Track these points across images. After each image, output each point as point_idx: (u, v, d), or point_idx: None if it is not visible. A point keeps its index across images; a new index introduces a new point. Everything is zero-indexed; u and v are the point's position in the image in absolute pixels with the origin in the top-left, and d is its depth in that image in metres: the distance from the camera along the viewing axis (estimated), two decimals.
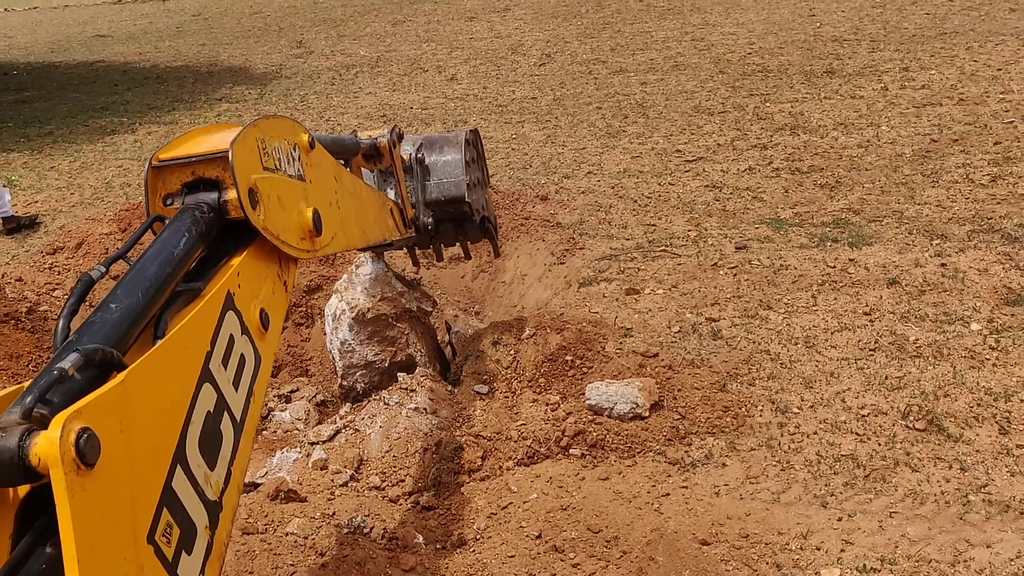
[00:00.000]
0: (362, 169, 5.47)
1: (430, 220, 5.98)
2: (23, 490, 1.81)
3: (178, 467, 2.07)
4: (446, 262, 9.21)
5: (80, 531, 1.60)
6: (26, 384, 1.89)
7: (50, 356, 2.03)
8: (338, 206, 3.66)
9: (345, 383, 6.90)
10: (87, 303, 2.36)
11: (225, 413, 2.38)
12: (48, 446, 1.59)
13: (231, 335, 2.48)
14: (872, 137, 11.49)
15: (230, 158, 2.67)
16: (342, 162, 4.65)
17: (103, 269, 2.40)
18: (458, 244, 6.87)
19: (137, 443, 1.87)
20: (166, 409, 2.08)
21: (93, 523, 1.66)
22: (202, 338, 2.32)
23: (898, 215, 8.80)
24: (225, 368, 2.41)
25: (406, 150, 5.83)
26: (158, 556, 1.92)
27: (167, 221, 2.60)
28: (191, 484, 2.12)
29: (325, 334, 6.97)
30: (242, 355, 2.54)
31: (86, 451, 1.64)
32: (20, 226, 10.96)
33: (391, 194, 5.67)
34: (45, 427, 1.64)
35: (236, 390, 2.47)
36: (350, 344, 6.70)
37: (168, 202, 2.74)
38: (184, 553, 2.04)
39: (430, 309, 7.05)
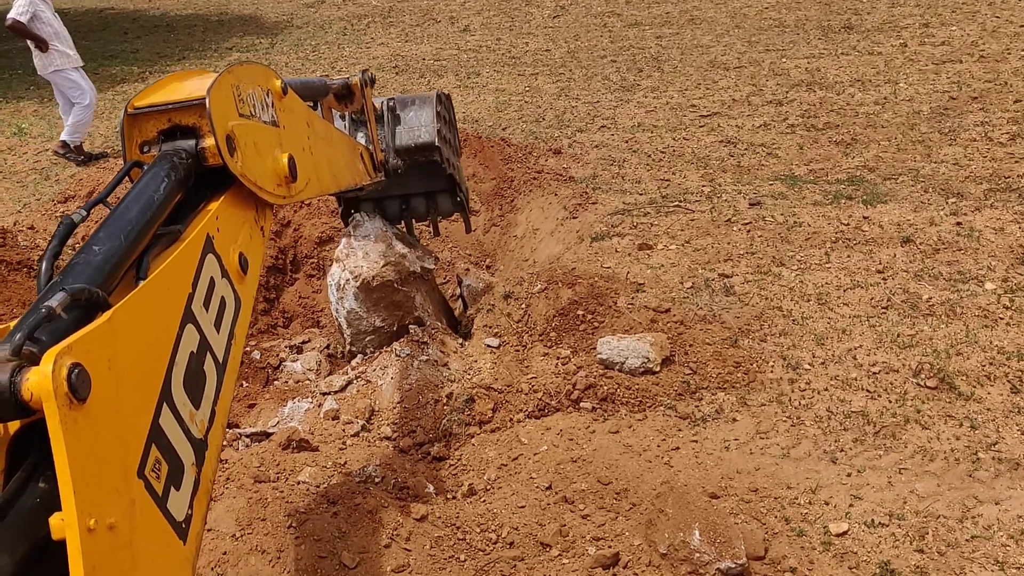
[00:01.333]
0: (334, 114, 5.47)
1: (399, 163, 5.96)
2: (13, 426, 1.84)
3: (164, 405, 2.11)
4: (457, 215, 9.20)
5: (75, 464, 1.63)
6: (11, 324, 1.92)
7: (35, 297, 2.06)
8: (311, 151, 3.67)
9: (354, 348, 6.87)
10: (69, 246, 2.38)
11: (208, 354, 2.42)
12: (41, 381, 1.61)
13: (211, 278, 2.52)
14: (889, 94, 11.36)
15: (207, 105, 2.68)
16: (312, 105, 4.65)
17: (84, 212, 2.42)
18: (429, 222, 6.81)
19: (125, 380, 1.90)
20: (151, 348, 2.11)
21: (87, 457, 1.68)
22: (184, 280, 2.36)
23: (914, 173, 8.72)
24: (207, 310, 2.45)
25: (378, 102, 5.85)
26: (148, 491, 1.96)
27: (145, 167, 2.62)
28: (177, 422, 2.16)
29: (330, 302, 6.93)
30: (223, 297, 2.58)
31: (78, 386, 1.66)
32: (92, 157, 11.39)
33: (361, 139, 5.67)
34: (35, 363, 1.66)
35: (218, 331, 2.51)
36: (357, 312, 6.63)
37: (145, 149, 2.76)
38: (173, 488, 2.09)
39: (432, 267, 6.99)
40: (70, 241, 2.40)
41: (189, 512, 2.17)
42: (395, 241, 6.65)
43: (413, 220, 6.86)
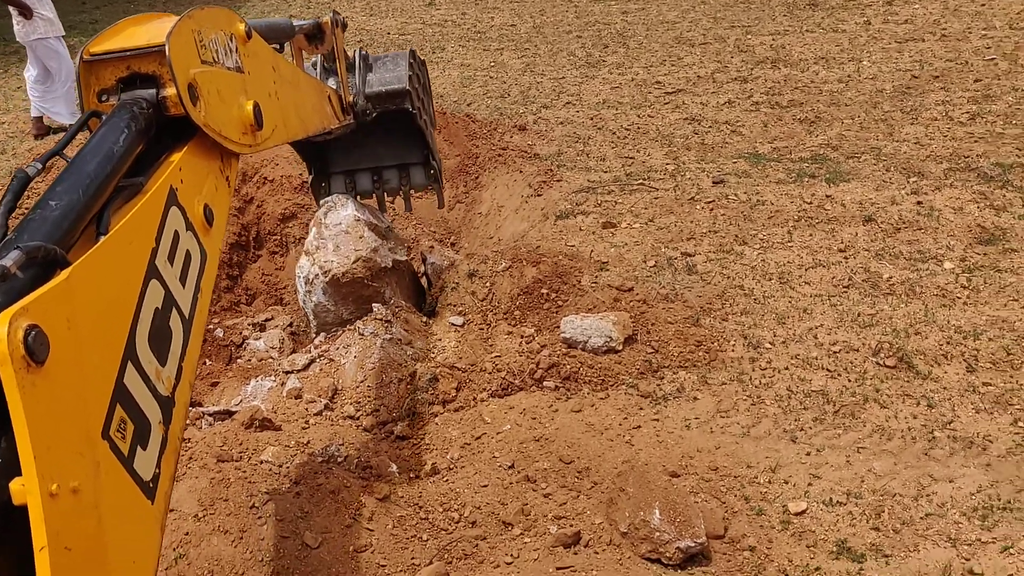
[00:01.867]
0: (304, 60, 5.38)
1: (368, 106, 5.86)
2: None
3: (129, 363, 2.06)
4: (423, 192, 9.13)
5: (34, 428, 1.60)
6: None
7: None
8: (277, 97, 3.57)
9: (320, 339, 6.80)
10: (24, 202, 2.31)
11: (173, 309, 2.37)
12: None
13: (176, 231, 2.45)
14: (853, 72, 11.43)
15: (167, 53, 2.57)
16: (278, 48, 4.54)
17: (39, 166, 2.34)
18: (401, 195, 6.72)
19: (86, 340, 1.86)
20: (113, 305, 2.06)
21: (46, 420, 1.65)
22: (147, 234, 2.29)
23: (876, 152, 8.79)
24: (171, 264, 2.39)
25: (350, 51, 5.77)
26: (114, 451, 1.93)
27: (104, 117, 2.53)
28: (143, 380, 2.12)
29: (297, 292, 6.79)
30: (188, 251, 2.52)
31: (35, 348, 1.62)
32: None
33: (331, 83, 5.58)
34: None
35: (183, 286, 2.45)
36: (325, 306, 6.54)
37: (103, 98, 2.65)
38: (140, 448, 2.06)
39: (404, 258, 6.90)
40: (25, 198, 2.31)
41: (157, 471, 2.13)
42: (367, 232, 6.49)
43: (385, 195, 6.77)
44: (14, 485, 1.61)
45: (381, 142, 6.13)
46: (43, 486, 1.60)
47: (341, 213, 6.50)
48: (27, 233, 2.01)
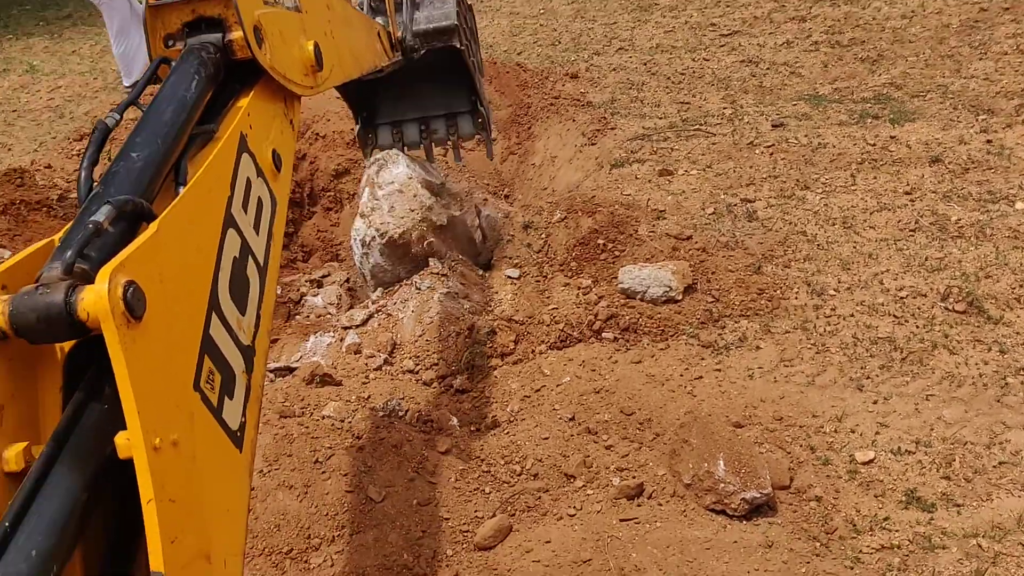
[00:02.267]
0: None
1: (417, 43, 5.78)
2: (69, 343, 1.81)
3: (213, 314, 2.08)
4: (474, 143, 9.05)
5: (137, 384, 1.62)
6: (56, 237, 1.88)
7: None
8: (332, 36, 3.53)
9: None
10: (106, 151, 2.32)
11: (250, 257, 2.38)
12: (97, 300, 1.58)
13: (248, 178, 2.46)
14: (917, 7, 11.01)
15: None
16: None
17: (117, 116, 2.34)
18: (449, 144, 6.59)
19: (176, 293, 1.88)
20: (198, 257, 2.07)
21: (147, 376, 1.67)
22: (223, 182, 2.30)
23: (943, 89, 8.49)
24: (245, 212, 2.40)
25: None
26: (204, 402, 1.95)
27: (173, 64, 2.51)
28: (226, 330, 2.14)
29: (353, 254, 6.79)
30: (259, 198, 2.52)
31: (134, 304, 1.64)
32: None
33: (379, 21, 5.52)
34: (89, 281, 1.63)
35: (257, 233, 2.46)
36: (382, 267, 6.53)
37: (170, 43, 2.61)
38: (227, 398, 2.08)
39: (459, 213, 6.84)
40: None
41: (243, 420, 2.16)
42: (421, 190, 6.44)
43: (433, 145, 6.68)
44: (119, 439, 1.65)
45: (428, 91, 6.03)
46: (147, 440, 1.63)
47: (394, 171, 6.45)
48: (113, 186, 2.02)
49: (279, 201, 2.68)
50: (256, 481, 4.23)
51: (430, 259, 6.55)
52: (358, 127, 6.34)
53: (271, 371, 5.78)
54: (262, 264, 2.46)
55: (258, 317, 2.37)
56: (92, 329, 1.61)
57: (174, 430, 1.76)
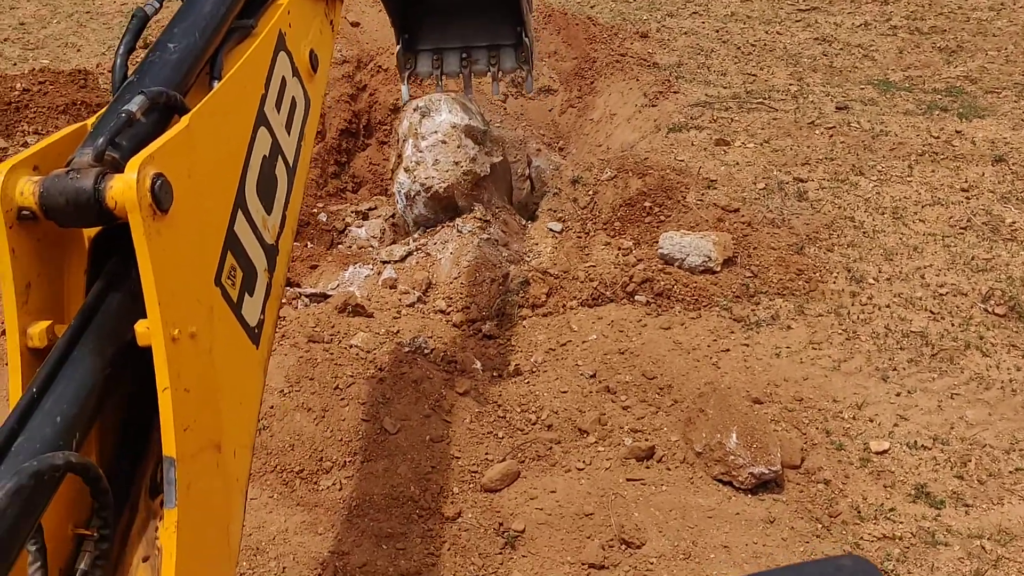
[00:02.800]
0: None
1: None
2: (95, 228, 1.85)
3: (239, 212, 2.11)
4: (535, 93, 9.00)
5: (159, 276, 1.66)
6: (89, 122, 1.90)
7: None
8: None
9: None
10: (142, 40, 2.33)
11: (279, 157, 2.39)
12: (125, 190, 1.61)
13: (283, 77, 2.45)
14: None
15: None
16: None
17: (157, 4, 2.34)
18: (490, 75, 6.45)
19: (203, 188, 1.90)
20: (227, 153, 2.09)
21: (169, 268, 1.71)
22: (257, 80, 2.30)
23: (1020, 88, 8.25)
24: (278, 111, 2.40)
25: None
26: (224, 298, 2.00)
27: None
28: (251, 228, 2.17)
29: (396, 204, 6.82)
30: (293, 98, 2.52)
31: (161, 196, 1.67)
32: None
33: None
34: (119, 170, 1.66)
35: (288, 134, 2.46)
36: (426, 216, 6.57)
37: None
38: (247, 295, 2.12)
39: (500, 159, 6.80)
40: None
41: (261, 317, 2.21)
42: (464, 139, 6.44)
43: (473, 76, 6.54)
44: (139, 327, 1.70)
45: (473, 20, 5.89)
46: (166, 331, 1.68)
47: (436, 120, 6.45)
48: (148, 77, 2.03)
49: (313, 102, 2.69)
50: (276, 400, 4.34)
51: (475, 204, 6.58)
52: (399, 48, 6.21)
53: (306, 296, 5.89)
54: (291, 165, 2.47)
55: (284, 218, 2.39)
56: (119, 217, 1.65)
57: (193, 322, 1.80)
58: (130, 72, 2.10)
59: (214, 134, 2.00)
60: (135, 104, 1.81)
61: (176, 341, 1.72)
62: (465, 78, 6.19)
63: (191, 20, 2.21)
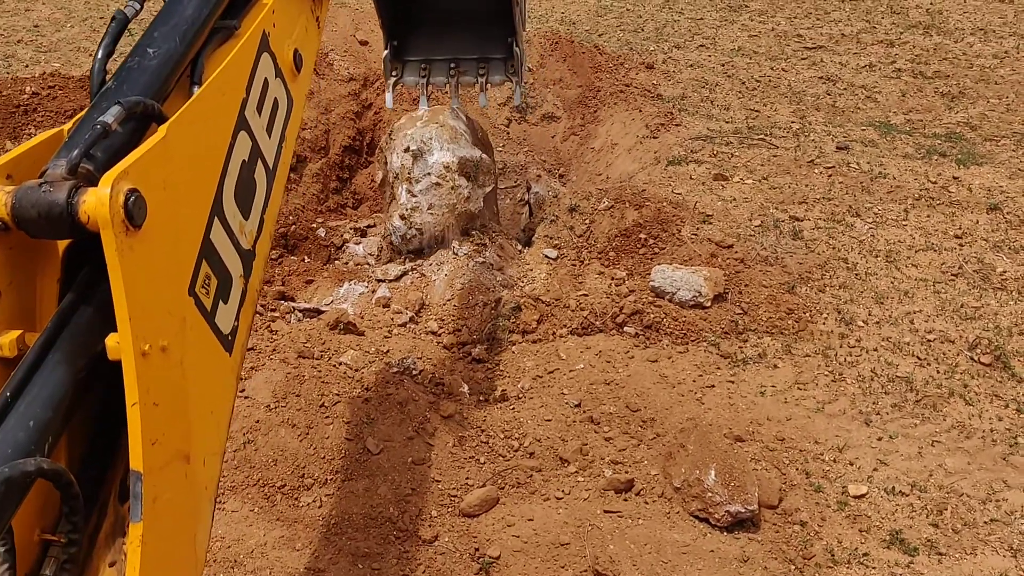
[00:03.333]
0: None
1: None
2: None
3: (216, 219, 2.08)
4: (538, 119, 9.09)
5: (131, 290, 1.66)
6: (65, 128, 1.89)
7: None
8: None
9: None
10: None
11: (259, 161, 2.35)
12: (98, 206, 1.60)
13: (265, 79, 2.40)
14: (1012, 48, 10.76)
15: None
16: None
17: (137, 6, 2.30)
18: (478, 86, 6.39)
19: (179, 199, 1.88)
20: (205, 162, 2.06)
21: (141, 282, 1.70)
22: (238, 83, 2.25)
23: (1018, 137, 8.31)
24: (260, 114, 2.36)
25: None
26: (198, 307, 1.98)
27: None
28: (227, 235, 2.14)
29: (391, 236, 6.86)
30: (275, 99, 2.47)
31: (134, 212, 1.66)
32: None
33: None
34: (92, 184, 1.66)
35: (269, 136, 2.42)
36: (420, 250, 6.62)
37: None
38: (221, 302, 2.10)
39: (492, 187, 6.78)
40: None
41: (235, 324, 2.18)
42: (458, 179, 6.42)
43: (460, 86, 6.45)
44: (110, 341, 1.70)
45: (463, 29, 5.84)
46: (136, 346, 1.67)
47: (429, 161, 6.44)
48: (126, 84, 2.01)
49: (296, 102, 2.64)
50: (261, 415, 4.38)
51: (472, 231, 6.61)
52: (385, 53, 6.14)
53: (300, 311, 5.94)
54: (271, 167, 2.43)
55: (261, 221, 2.35)
56: (92, 231, 1.64)
57: (164, 336, 1.79)
58: (109, 77, 2.07)
59: (192, 143, 1.97)
60: (110, 115, 1.80)
61: (146, 356, 1.71)
62: (452, 88, 6.07)
63: (172, 23, 2.18)
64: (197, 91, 2.09)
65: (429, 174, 6.41)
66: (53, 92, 7.78)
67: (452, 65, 5.94)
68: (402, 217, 6.45)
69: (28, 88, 7.71)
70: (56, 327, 1.75)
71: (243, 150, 2.25)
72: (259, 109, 2.35)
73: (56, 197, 1.64)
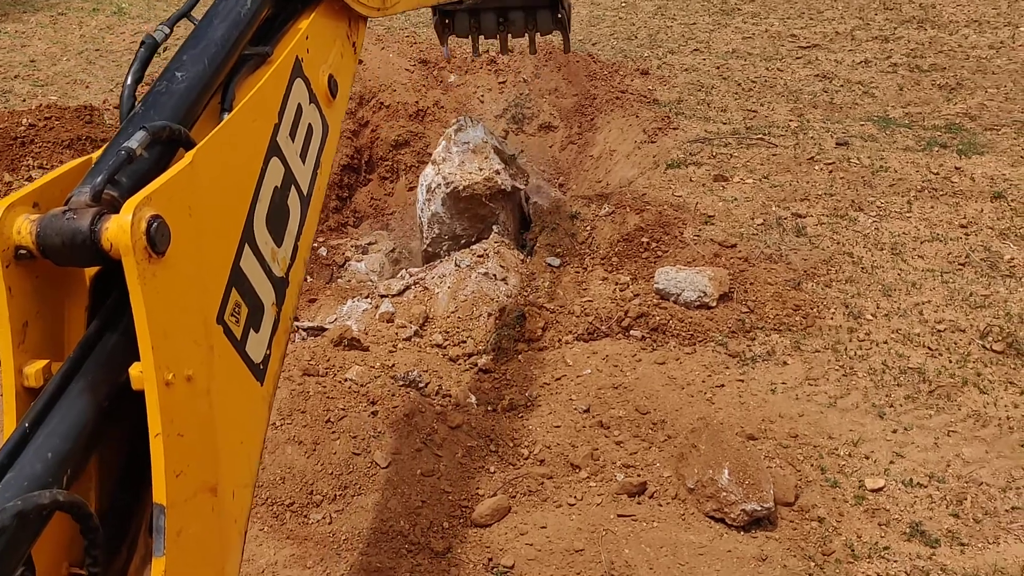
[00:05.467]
0: None
1: None
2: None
3: (246, 246, 2.04)
4: (535, 130, 9.08)
5: (153, 319, 1.62)
6: (94, 156, 1.86)
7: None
8: None
9: (429, 250, 6.99)
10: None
11: (292, 187, 2.30)
12: (120, 233, 1.58)
13: (299, 104, 2.35)
14: (1007, 38, 10.72)
15: None
16: None
17: (167, 30, 2.27)
18: (527, 36, 6.31)
19: (206, 226, 1.84)
20: (234, 188, 2.02)
21: (165, 310, 1.67)
22: (270, 109, 2.21)
23: (1018, 125, 8.27)
24: (293, 140, 2.31)
25: None
26: (227, 335, 1.93)
27: None
28: (258, 262, 2.09)
29: (417, 200, 7.00)
30: (310, 125, 2.42)
31: (157, 239, 1.63)
32: None
33: None
34: (116, 210, 1.63)
35: (303, 162, 2.37)
36: (441, 217, 6.73)
37: None
38: (252, 331, 2.05)
39: (523, 186, 6.99)
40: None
41: (268, 352, 2.13)
42: (492, 155, 6.68)
43: (509, 36, 6.52)
44: (133, 370, 1.66)
45: None
46: (159, 375, 1.64)
47: (471, 132, 6.80)
48: (154, 109, 1.97)
49: (331, 129, 2.59)
50: (267, 433, 4.32)
51: (477, 240, 6.62)
52: (435, 17, 6.26)
53: (304, 329, 5.90)
54: (305, 194, 2.38)
55: (295, 249, 2.31)
56: (115, 258, 1.62)
57: (189, 365, 1.76)
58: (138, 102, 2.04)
59: (220, 169, 1.94)
60: (135, 140, 1.76)
61: (170, 385, 1.68)
62: (501, 38, 6.29)
63: (201, 47, 2.14)
64: (227, 117, 2.06)
65: (468, 142, 6.80)
66: (50, 123, 7.77)
67: (500, 18, 6.06)
68: (434, 163, 6.84)
69: (25, 120, 7.71)
70: (80, 356, 1.71)
71: (275, 176, 2.21)
72: (292, 135, 2.32)
73: (79, 224, 1.62)
